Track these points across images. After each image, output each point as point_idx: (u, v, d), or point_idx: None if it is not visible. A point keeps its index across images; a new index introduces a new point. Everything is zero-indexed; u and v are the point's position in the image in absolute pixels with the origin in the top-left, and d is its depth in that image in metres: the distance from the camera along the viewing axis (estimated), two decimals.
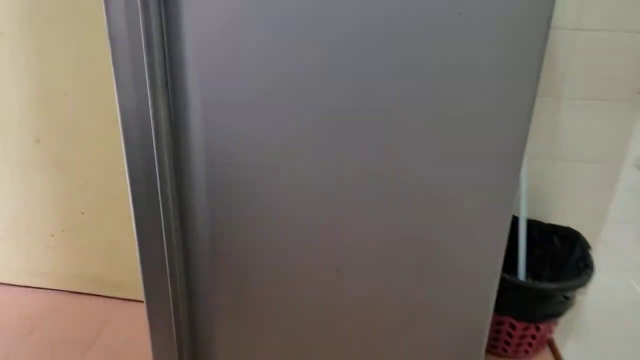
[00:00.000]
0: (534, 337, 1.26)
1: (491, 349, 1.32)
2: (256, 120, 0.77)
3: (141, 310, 1.48)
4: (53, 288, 1.52)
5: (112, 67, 0.77)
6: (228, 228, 0.84)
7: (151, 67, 0.73)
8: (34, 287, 1.53)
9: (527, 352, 1.30)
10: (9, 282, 1.54)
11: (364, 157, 0.77)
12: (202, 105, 0.77)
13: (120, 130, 0.80)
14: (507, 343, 1.29)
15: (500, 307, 0.94)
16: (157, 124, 0.76)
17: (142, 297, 1.49)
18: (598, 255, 1.29)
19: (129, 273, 1.46)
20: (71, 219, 1.42)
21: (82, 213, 1.40)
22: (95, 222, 1.41)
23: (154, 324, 0.94)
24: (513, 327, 1.25)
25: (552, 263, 1.38)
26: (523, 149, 0.75)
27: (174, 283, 0.86)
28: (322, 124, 0.76)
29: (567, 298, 1.20)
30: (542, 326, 1.24)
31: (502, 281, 0.87)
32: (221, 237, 0.85)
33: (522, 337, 1.26)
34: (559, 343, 1.36)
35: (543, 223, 1.41)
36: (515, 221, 1.30)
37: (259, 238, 0.85)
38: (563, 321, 1.34)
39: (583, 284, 1.17)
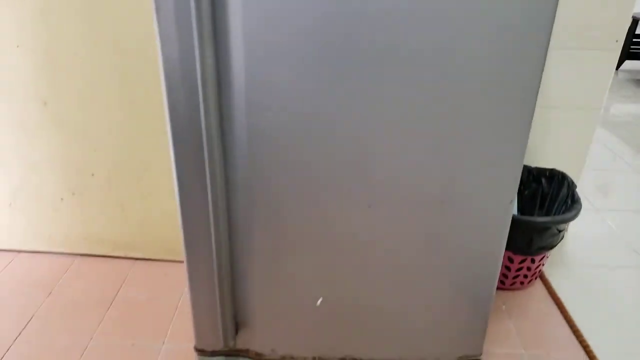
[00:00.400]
0: (529, 269, 1.39)
1: None
2: (293, 67, 0.82)
3: (156, 268, 1.53)
4: (64, 252, 1.53)
5: (154, 19, 0.80)
6: (267, 170, 0.90)
7: (199, 18, 0.76)
8: (44, 252, 1.54)
9: (522, 283, 1.43)
10: (19, 249, 1.54)
11: (393, 101, 0.84)
12: (245, 52, 0.81)
13: (162, 80, 0.84)
14: (504, 276, 1.41)
15: None
16: (204, 73, 0.79)
17: (155, 255, 1.54)
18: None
19: (141, 233, 1.49)
20: (81, 182, 1.43)
21: (92, 175, 1.42)
22: (106, 183, 1.43)
23: (193, 267, 1.00)
24: (511, 260, 1.37)
25: (542, 202, 1.50)
26: (538, 85, 0.84)
27: (217, 227, 0.91)
28: (353, 70, 0.82)
29: (559, 231, 1.32)
30: (537, 258, 1.37)
31: None
32: (260, 178, 0.91)
33: (519, 269, 1.38)
34: (548, 273, 1.50)
35: (531, 167, 1.53)
36: None
37: (296, 178, 0.91)
38: (551, 254, 1.47)
39: (575, 216, 1.29)
